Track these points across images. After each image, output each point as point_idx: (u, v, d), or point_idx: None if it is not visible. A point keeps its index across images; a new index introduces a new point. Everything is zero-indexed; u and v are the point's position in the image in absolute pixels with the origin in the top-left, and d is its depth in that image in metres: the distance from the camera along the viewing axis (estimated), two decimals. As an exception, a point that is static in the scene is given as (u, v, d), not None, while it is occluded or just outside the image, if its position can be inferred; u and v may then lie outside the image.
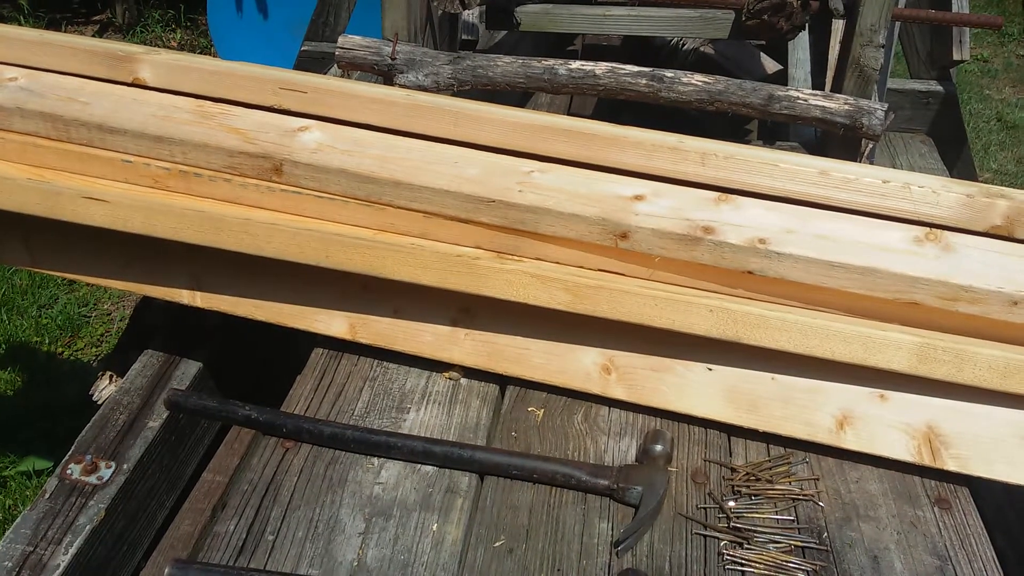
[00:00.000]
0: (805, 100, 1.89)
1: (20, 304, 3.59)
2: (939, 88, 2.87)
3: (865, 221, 1.50)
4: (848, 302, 1.49)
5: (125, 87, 1.73)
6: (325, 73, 2.43)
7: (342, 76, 2.38)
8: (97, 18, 6.23)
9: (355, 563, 1.31)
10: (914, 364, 1.42)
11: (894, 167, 2.58)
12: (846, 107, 1.87)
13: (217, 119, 1.67)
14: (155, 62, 1.73)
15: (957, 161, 2.82)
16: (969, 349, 1.41)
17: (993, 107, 5.68)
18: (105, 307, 3.67)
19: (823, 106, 1.88)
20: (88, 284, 3.62)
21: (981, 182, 1.63)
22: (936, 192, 1.49)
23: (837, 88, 2.11)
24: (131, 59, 1.73)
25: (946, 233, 1.48)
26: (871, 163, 2.12)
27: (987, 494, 1.55)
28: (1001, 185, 1.52)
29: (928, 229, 1.49)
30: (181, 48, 5.88)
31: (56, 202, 1.61)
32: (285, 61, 3.13)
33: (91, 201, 1.59)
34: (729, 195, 1.54)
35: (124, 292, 3.66)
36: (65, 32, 5.79)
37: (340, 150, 1.62)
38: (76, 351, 3.42)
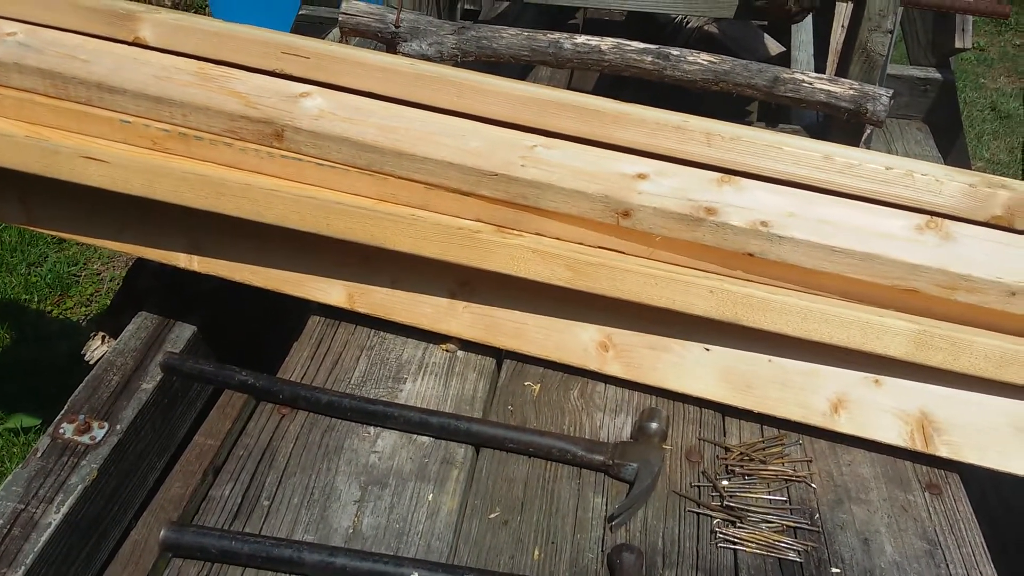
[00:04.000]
0: (810, 84, 1.89)
1: (9, 261, 3.56)
2: (938, 76, 2.87)
3: (867, 207, 1.51)
4: (847, 287, 1.50)
5: (125, 46, 1.70)
6: (324, 38, 2.40)
7: (342, 42, 2.36)
8: (89, -27, 6.13)
9: (351, 530, 1.31)
10: (911, 350, 1.43)
11: (890, 153, 2.58)
12: (851, 92, 1.86)
13: (218, 82, 1.65)
14: (156, 21, 1.70)
15: (952, 149, 2.83)
16: (966, 337, 1.42)
17: (987, 96, 5.69)
18: (95, 267, 3.65)
19: (828, 90, 1.88)
20: (83, 244, 3.60)
21: (974, 171, 1.64)
22: (939, 181, 1.49)
23: (841, 72, 2.11)
24: (132, 17, 1.71)
25: (947, 222, 1.49)
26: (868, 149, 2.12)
27: (972, 482, 1.56)
28: (993, 174, 1.53)
29: (929, 217, 1.49)
30: (176, 8, 5.80)
31: (54, 161, 1.59)
32: (282, 25, 3.09)
33: (90, 161, 1.57)
34: (732, 176, 1.54)
35: (114, 252, 3.64)
36: (57, -13, 5.68)
37: (342, 117, 1.61)
38: (65, 310, 3.40)
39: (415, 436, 1.47)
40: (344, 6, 2.05)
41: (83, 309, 3.42)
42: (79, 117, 1.66)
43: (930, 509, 1.40)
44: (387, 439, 1.47)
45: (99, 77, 1.65)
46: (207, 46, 1.68)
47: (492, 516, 1.36)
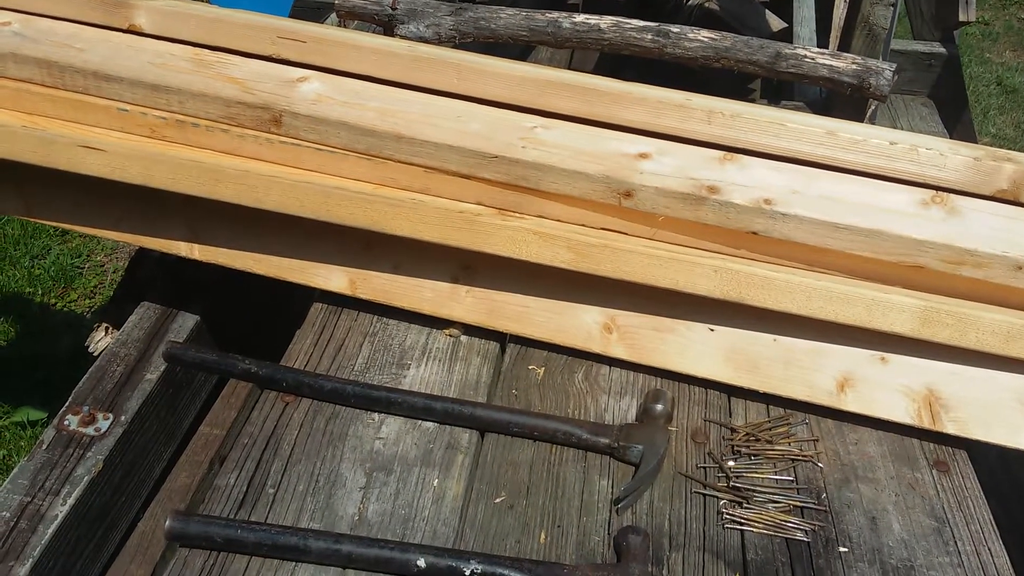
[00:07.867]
0: (812, 59, 1.86)
1: (12, 254, 3.56)
2: (942, 50, 2.84)
3: (871, 183, 1.49)
4: (852, 264, 1.49)
5: (121, 33, 1.69)
6: (322, 23, 2.39)
7: (340, 26, 2.34)
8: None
9: (356, 517, 1.31)
10: (917, 327, 1.42)
11: (895, 129, 2.56)
12: (854, 66, 1.84)
13: (215, 68, 1.64)
14: (151, 8, 1.69)
15: (957, 124, 2.80)
16: (972, 313, 1.41)
17: (993, 71, 5.63)
18: (98, 259, 3.65)
19: (830, 65, 1.86)
20: (83, 235, 3.59)
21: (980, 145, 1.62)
22: (943, 155, 1.48)
23: (843, 47, 2.09)
24: (126, 5, 1.69)
25: (952, 196, 1.48)
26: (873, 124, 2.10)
27: (981, 460, 1.55)
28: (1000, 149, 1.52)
29: (934, 192, 1.48)
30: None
31: (52, 150, 1.58)
32: (280, 12, 3.07)
33: (87, 150, 1.57)
34: (735, 154, 1.52)
35: (117, 244, 3.63)
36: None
37: (340, 102, 1.60)
38: (69, 302, 3.40)
39: (420, 422, 1.47)
40: (340, -11, 2.03)
41: (87, 301, 3.41)
42: (76, 106, 1.65)
43: (938, 487, 1.39)
44: (391, 425, 1.46)
45: (95, 65, 1.64)
46: (203, 32, 1.66)
47: (498, 500, 1.35)
